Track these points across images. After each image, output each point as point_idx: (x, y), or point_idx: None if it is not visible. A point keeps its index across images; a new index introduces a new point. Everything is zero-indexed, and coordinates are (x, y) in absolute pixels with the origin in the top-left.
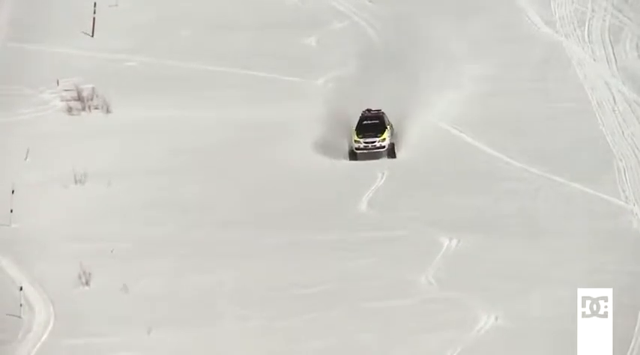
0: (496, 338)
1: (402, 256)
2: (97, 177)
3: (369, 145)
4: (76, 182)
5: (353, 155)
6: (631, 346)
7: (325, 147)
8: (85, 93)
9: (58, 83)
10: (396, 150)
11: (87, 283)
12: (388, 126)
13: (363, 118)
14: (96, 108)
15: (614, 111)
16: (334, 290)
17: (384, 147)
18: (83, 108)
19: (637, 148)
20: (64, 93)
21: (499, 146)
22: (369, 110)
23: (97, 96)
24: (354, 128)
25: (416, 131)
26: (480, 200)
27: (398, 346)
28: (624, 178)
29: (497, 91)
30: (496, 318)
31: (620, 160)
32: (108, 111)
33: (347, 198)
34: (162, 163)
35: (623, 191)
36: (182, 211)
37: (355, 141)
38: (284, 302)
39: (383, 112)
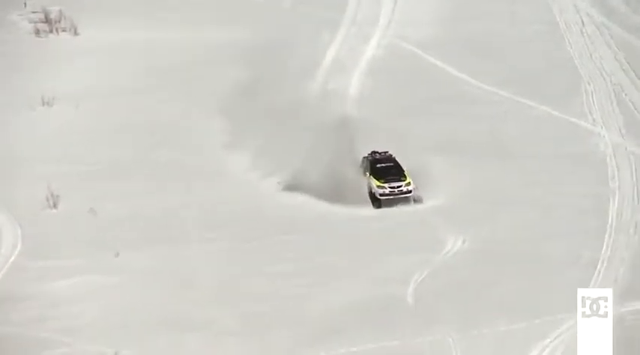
0: (464, 260)
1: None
2: (65, 100)
3: (396, 190)
4: (43, 104)
5: (376, 201)
6: None
7: None
8: (52, 16)
9: (25, 5)
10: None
11: (54, 206)
12: (405, 169)
13: (374, 161)
14: (64, 31)
15: (582, 33)
16: None
17: (410, 191)
18: (51, 31)
19: (605, 71)
20: (32, 16)
21: (468, 69)
22: (375, 152)
23: (64, 18)
24: (369, 172)
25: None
26: (449, 123)
27: (366, 268)
28: (592, 101)
29: (466, 14)
30: (463, 241)
31: (588, 83)
32: (76, 33)
33: None
34: (130, 85)
35: (591, 114)
36: (150, 133)
37: (378, 186)
38: (251, 224)
39: (392, 155)
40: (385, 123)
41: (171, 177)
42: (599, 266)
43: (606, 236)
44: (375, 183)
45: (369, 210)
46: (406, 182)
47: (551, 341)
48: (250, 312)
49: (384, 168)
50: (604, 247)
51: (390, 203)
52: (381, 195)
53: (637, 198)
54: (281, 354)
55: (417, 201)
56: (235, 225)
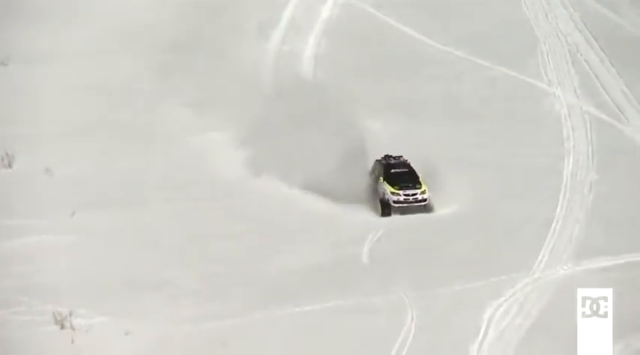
0: (419, 221)
1: None
2: (20, 60)
3: (410, 198)
4: None
5: (386, 208)
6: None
7: None
8: None
9: None
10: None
11: (9, 165)
12: (420, 175)
13: (388, 166)
14: None
15: None
16: None
17: (425, 200)
18: None
19: (560, 32)
20: None
21: (424, 29)
22: (389, 156)
23: None
24: (382, 177)
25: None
26: (404, 83)
27: (322, 230)
28: (547, 61)
29: None
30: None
31: (544, 44)
32: None
33: None
34: (90, 46)
35: (546, 74)
36: (109, 93)
37: (393, 193)
38: (210, 186)
39: (407, 160)
40: (341, 83)
41: (130, 139)
42: (554, 226)
43: (561, 195)
44: (389, 189)
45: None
46: (422, 190)
47: (505, 300)
48: (208, 273)
49: (399, 174)
50: (559, 207)
51: (402, 211)
52: (395, 202)
53: (591, 158)
54: (238, 314)
55: (428, 210)
56: (194, 187)
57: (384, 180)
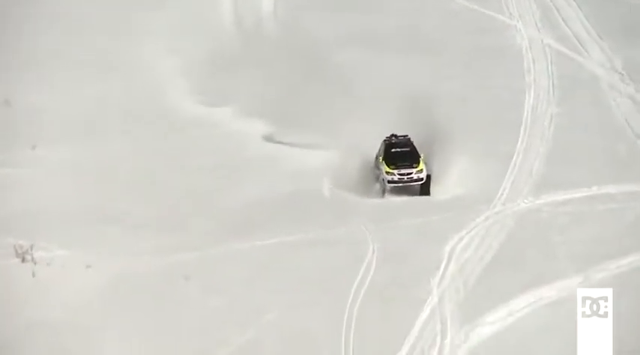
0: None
1: None
2: None
3: (405, 177)
4: None
5: (383, 189)
6: None
7: None
8: None
9: None
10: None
11: None
12: (422, 155)
13: (389, 145)
14: None
15: None
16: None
17: (422, 179)
18: None
19: None
20: None
21: None
22: (394, 135)
23: None
24: (381, 157)
25: None
26: (366, 17)
27: (282, 163)
28: None
29: None
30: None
31: None
32: None
33: None
34: None
35: (508, 7)
36: (68, 22)
37: (387, 172)
38: (170, 119)
39: (410, 139)
40: (302, 18)
41: (90, 71)
42: (514, 159)
43: (522, 129)
44: (385, 168)
45: None
46: (418, 169)
47: (467, 233)
48: (168, 206)
49: (399, 153)
50: (520, 140)
51: (398, 192)
52: (389, 182)
53: (552, 91)
54: (199, 247)
55: (423, 192)
56: (155, 120)
57: (382, 159)
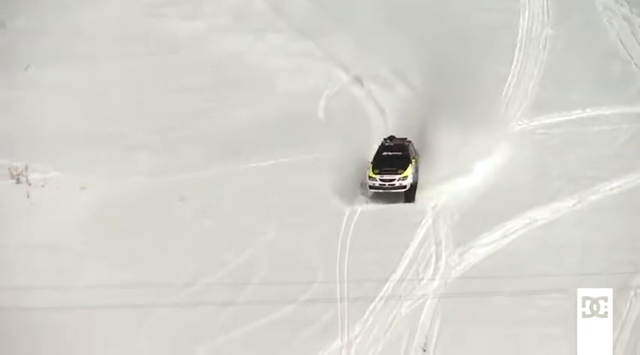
0: (375, 80)
1: None
2: None
3: (387, 184)
4: None
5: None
6: None
7: None
8: None
9: None
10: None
11: None
12: (413, 161)
13: (382, 148)
14: None
15: None
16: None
17: (404, 187)
18: None
19: None
20: None
21: None
22: (391, 138)
23: None
24: (371, 160)
25: None
26: None
27: (277, 83)
28: None
29: None
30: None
31: None
32: None
33: None
34: None
35: None
36: None
37: (370, 177)
38: (163, 40)
39: (409, 142)
40: None
41: None
42: (509, 81)
43: (516, 51)
44: (368, 172)
45: None
46: (402, 176)
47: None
48: (160, 127)
49: (389, 157)
50: (514, 62)
51: (380, 197)
52: (370, 187)
53: (546, 13)
54: (193, 169)
55: (408, 199)
56: (148, 41)
57: (371, 162)
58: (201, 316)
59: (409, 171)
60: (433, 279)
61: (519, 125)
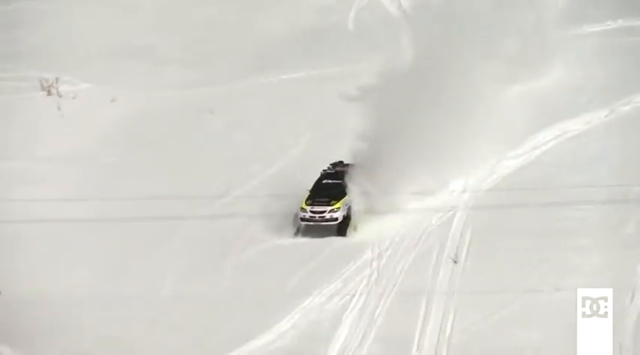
0: None
1: None
2: None
3: (317, 216)
4: None
5: (297, 228)
6: None
7: None
8: None
9: None
10: (353, 224)
11: None
12: (347, 196)
13: (324, 176)
14: None
15: None
16: None
17: (335, 219)
18: None
19: None
20: None
21: None
22: (335, 164)
23: None
24: (309, 189)
25: None
26: None
27: None
28: None
29: None
30: None
31: None
32: None
33: None
34: None
35: None
36: None
37: (302, 208)
38: None
39: (347, 168)
40: None
41: None
42: None
43: None
44: (301, 203)
45: None
46: (333, 207)
47: None
48: (191, 40)
49: (327, 185)
50: None
51: (311, 231)
52: (301, 219)
53: None
54: (222, 81)
55: (340, 233)
56: None
57: (309, 191)
58: (231, 228)
59: (342, 203)
60: (464, 191)
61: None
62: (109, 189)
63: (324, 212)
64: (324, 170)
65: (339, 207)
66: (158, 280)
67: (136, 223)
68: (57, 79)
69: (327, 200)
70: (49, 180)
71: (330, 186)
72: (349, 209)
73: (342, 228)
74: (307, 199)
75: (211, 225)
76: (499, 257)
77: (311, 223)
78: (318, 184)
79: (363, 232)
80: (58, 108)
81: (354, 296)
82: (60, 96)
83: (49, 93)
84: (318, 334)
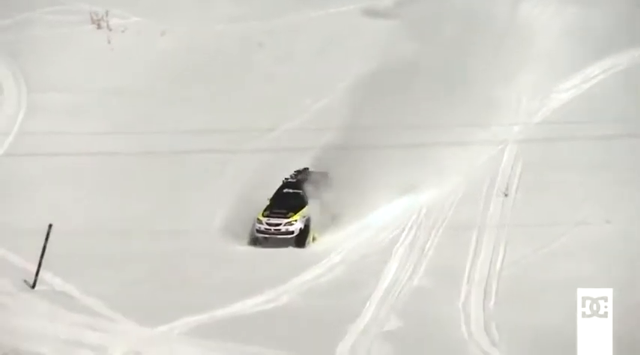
0: None
1: None
2: None
3: (272, 229)
4: None
5: (254, 238)
6: None
7: None
8: None
9: None
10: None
11: None
12: (308, 204)
13: (285, 185)
14: None
15: None
16: None
17: (291, 233)
18: None
19: None
20: None
21: None
22: (298, 172)
23: None
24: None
25: None
26: None
27: None
28: None
29: None
30: None
31: None
32: None
33: None
34: None
35: None
36: None
37: (258, 219)
38: None
39: (307, 176)
40: None
41: None
42: None
43: None
44: (258, 214)
45: None
46: (289, 220)
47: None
48: None
49: (286, 195)
50: None
51: (268, 243)
52: (257, 231)
53: None
54: (270, 14)
55: (298, 244)
56: None
57: (269, 200)
58: (280, 162)
59: (300, 216)
60: (514, 124)
61: None
62: (158, 123)
63: (279, 225)
64: (285, 179)
65: (295, 220)
66: (209, 213)
67: (186, 156)
68: (107, 13)
69: (285, 212)
70: (98, 113)
71: (290, 195)
72: (308, 220)
73: (300, 239)
74: (265, 210)
75: (261, 158)
76: (549, 190)
77: (267, 236)
78: (278, 193)
79: (323, 243)
80: (108, 42)
81: (403, 230)
82: (110, 29)
83: (99, 27)
84: (368, 267)
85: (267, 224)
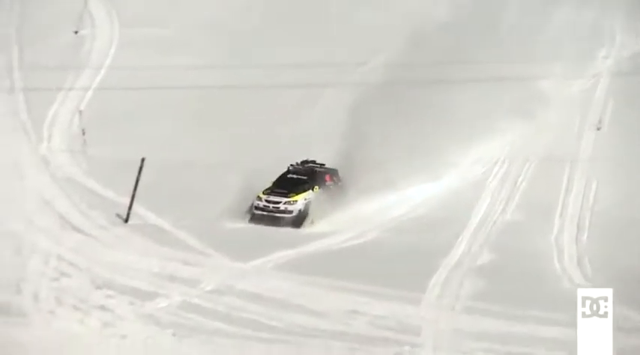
0: None
1: None
2: None
3: (270, 206)
4: None
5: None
6: None
7: None
8: None
9: None
10: (310, 219)
11: None
12: (313, 189)
13: (288, 171)
14: None
15: None
16: None
17: (290, 212)
18: None
19: None
20: None
21: None
22: (305, 162)
23: None
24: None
25: None
26: None
27: None
28: None
29: None
30: None
31: None
32: None
33: None
34: None
35: None
36: None
37: (258, 197)
38: None
39: (318, 169)
40: None
41: None
42: None
43: None
44: (259, 192)
45: None
46: (290, 199)
47: None
48: None
49: (289, 180)
50: None
51: (264, 221)
52: (255, 207)
53: None
54: None
55: (295, 224)
56: None
57: (272, 182)
58: (366, 94)
59: (302, 197)
60: (606, 57)
61: None
62: (251, 57)
63: (278, 203)
64: (291, 165)
65: (296, 201)
66: (304, 145)
67: (280, 90)
68: None
69: (286, 192)
70: (189, 47)
71: (295, 180)
72: (309, 204)
73: (297, 221)
74: (265, 189)
75: (353, 91)
76: None
77: (265, 213)
78: (281, 177)
79: (320, 225)
80: None
81: (495, 163)
82: None
83: None
84: (460, 202)
85: (267, 201)
